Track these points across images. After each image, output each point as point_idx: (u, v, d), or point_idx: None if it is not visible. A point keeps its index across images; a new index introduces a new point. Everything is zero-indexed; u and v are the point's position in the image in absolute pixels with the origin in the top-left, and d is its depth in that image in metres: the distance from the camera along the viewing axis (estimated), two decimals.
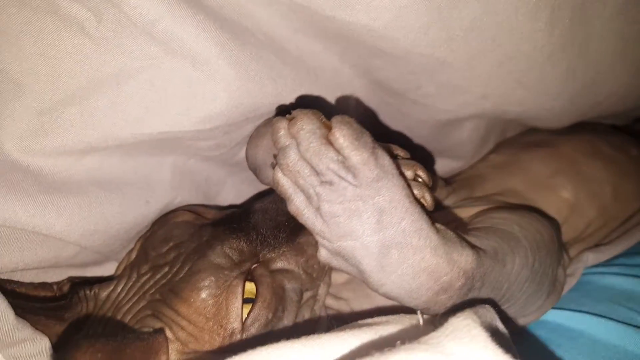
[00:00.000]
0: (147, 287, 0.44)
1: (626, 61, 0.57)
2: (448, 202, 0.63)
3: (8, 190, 0.41)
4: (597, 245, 0.63)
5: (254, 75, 0.46)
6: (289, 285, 0.46)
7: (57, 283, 0.51)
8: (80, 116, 0.42)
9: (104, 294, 0.47)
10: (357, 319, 0.40)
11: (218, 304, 0.42)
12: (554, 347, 0.49)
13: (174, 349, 0.41)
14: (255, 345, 0.32)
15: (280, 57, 0.48)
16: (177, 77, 0.43)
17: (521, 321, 0.50)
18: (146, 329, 0.41)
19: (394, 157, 0.38)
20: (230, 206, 0.60)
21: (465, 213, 0.58)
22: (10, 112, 0.40)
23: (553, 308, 0.54)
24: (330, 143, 0.36)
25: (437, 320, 0.35)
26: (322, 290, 0.50)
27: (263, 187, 0.61)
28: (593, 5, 0.50)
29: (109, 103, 0.42)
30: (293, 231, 0.48)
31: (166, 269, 0.45)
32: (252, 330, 0.42)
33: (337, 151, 0.35)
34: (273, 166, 0.39)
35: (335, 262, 0.38)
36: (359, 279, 0.38)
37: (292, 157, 0.36)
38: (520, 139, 0.76)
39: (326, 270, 0.50)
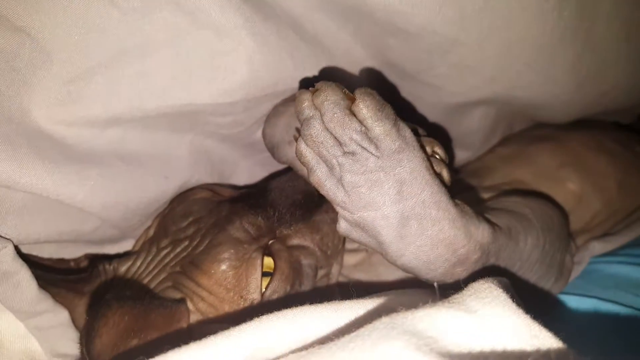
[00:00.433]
0: (167, 260, 0.45)
1: (630, 49, 0.58)
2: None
3: (35, 156, 0.41)
4: (603, 235, 0.64)
5: (274, 50, 0.47)
6: (305, 261, 0.47)
7: (75, 259, 0.52)
8: (106, 86, 0.42)
9: (123, 267, 0.48)
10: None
11: (238, 276, 0.42)
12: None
13: (194, 319, 0.42)
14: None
15: (298, 33, 0.49)
16: (201, 48, 0.44)
17: None
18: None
19: (414, 132, 0.39)
20: (245, 186, 0.61)
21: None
22: (38, 80, 0.41)
23: (560, 293, 0.55)
24: (353, 114, 0.37)
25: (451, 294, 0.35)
26: (334, 269, 0.51)
27: (275, 170, 0.62)
28: None
29: (134, 73, 0.43)
30: (309, 209, 0.49)
31: (186, 243, 0.45)
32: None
33: (361, 122, 0.36)
34: (296, 139, 0.40)
35: (354, 234, 0.39)
36: (377, 251, 0.39)
37: (316, 127, 0.37)
38: (527, 133, 0.77)
39: (339, 249, 0.51)
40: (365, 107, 0.36)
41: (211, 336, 0.29)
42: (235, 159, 0.59)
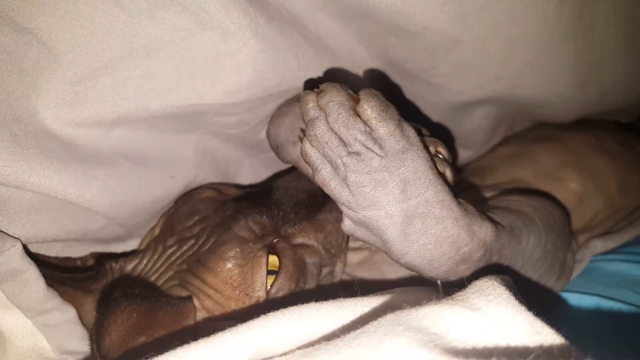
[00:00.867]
0: (173, 258, 0.46)
1: (630, 47, 0.59)
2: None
3: (44, 157, 0.42)
4: (604, 234, 0.64)
5: (279, 51, 0.47)
6: (310, 260, 0.47)
7: (81, 258, 0.53)
8: (112, 86, 0.43)
9: (130, 266, 0.48)
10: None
11: (244, 274, 0.43)
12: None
13: (200, 316, 0.42)
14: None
15: (301, 34, 0.49)
16: (206, 49, 0.44)
17: None
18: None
19: (418, 132, 0.39)
20: (250, 186, 0.62)
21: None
22: (45, 81, 0.41)
23: (561, 291, 0.55)
24: (357, 115, 0.37)
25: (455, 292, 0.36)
26: (338, 267, 0.52)
27: (279, 170, 0.63)
28: None
29: (140, 74, 0.43)
30: (313, 208, 0.49)
31: (192, 241, 0.46)
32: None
33: (365, 123, 0.37)
34: (300, 139, 0.40)
35: (359, 232, 0.40)
36: (381, 250, 0.40)
37: (321, 128, 0.37)
38: (528, 133, 0.77)
39: (343, 248, 0.52)
40: (370, 107, 0.36)
41: (219, 333, 0.30)
42: (239, 158, 0.59)
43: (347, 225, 0.40)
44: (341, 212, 0.40)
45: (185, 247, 0.46)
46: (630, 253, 0.62)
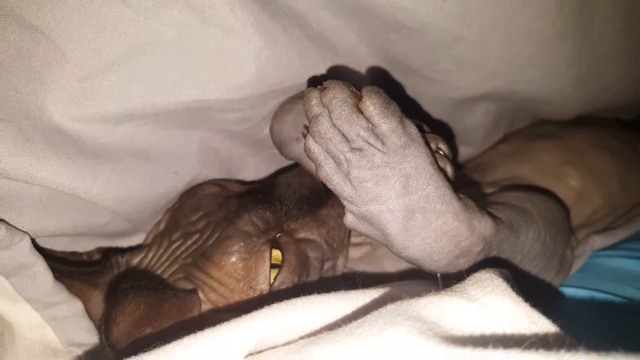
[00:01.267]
0: (178, 252, 0.47)
1: (629, 44, 0.59)
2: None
3: (51, 152, 0.43)
4: (603, 230, 0.65)
5: (281, 47, 0.48)
6: (312, 254, 0.48)
7: (87, 252, 0.54)
8: (119, 83, 0.44)
9: (135, 260, 0.49)
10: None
11: (247, 267, 0.44)
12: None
13: (205, 308, 0.43)
14: None
15: (303, 31, 0.50)
16: (210, 46, 0.45)
17: None
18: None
19: (419, 128, 0.40)
20: (253, 182, 0.63)
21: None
22: (53, 77, 0.42)
23: (560, 286, 0.56)
24: (360, 111, 0.38)
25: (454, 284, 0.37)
26: (340, 262, 0.53)
27: (281, 167, 0.63)
28: None
29: (146, 71, 0.44)
30: (315, 204, 0.50)
31: (197, 236, 0.47)
32: None
33: (367, 119, 0.38)
34: (304, 135, 0.41)
35: (361, 227, 0.40)
36: (383, 244, 0.41)
37: (324, 124, 0.38)
38: (529, 130, 0.78)
39: (345, 243, 0.53)
40: (372, 104, 0.37)
41: (224, 323, 0.31)
42: (243, 155, 0.60)
43: (349, 219, 0.40)
44: (343, 208, 0.40)
45: (190, 242, 0.47)
46: (629, 249, 0.63)
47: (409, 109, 0.61)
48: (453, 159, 0.43)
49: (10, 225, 0.43)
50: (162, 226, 0.52)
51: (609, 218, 0.67)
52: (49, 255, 0.47)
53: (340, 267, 0.53)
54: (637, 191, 0.70)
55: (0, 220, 0.43)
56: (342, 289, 0.44)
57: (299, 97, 0.53)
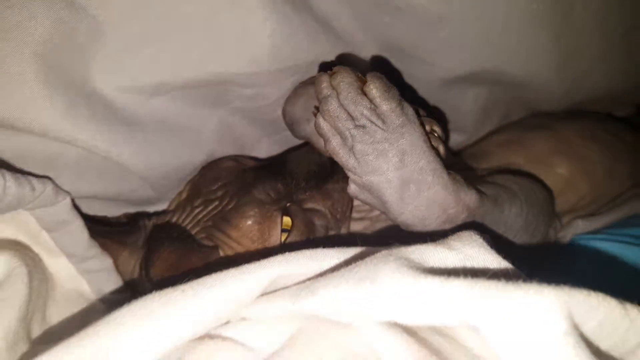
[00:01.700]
0: (200, 216, 0.53)
1: (606, 33, 0.63)
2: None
3: (91, 117, 0.48)
4: (587, 215, 0.70)
5: (294, 27, 0.52)
6: (318, 222, 0.54)
7: (116, 217, 0.60)
8: (154, 56, 0.48)
9: (161, 222, 0.55)
10: None
11: (262, 230, 0.50)
12: None
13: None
14: None
15: (309, 14, 0.54)
16: (234, 24, 0.49)
17: None
18: None
19: (416, 112, 0.46)
20: (266, 158, 0.68)
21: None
22: (95, 51, 0.47)
23: None
24: (364, 94, 0.44)
25: None
26: (343, 232, 0.58)
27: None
28: None
29: (178, 44, 0.49)
30: (322, 179, 0.56)
31: (217, 202, 0.53)
32: None
33: (370, 101, 0.43)
34: (314, 115, 0.47)
35: (362, 195, 0.46)
36: (381, 210, 0.46)
37: (333, 104, 0.44)
38: (523, 122, 0.83)
39: (347, 215, 0.58)
40: (375, 88, 0.43)
41: (245, 264, 0.36)
42: (258, 135, 0.66)
43: (352, 188, 0.46)
44: (346, 184, 0.46)
45: (210, 207, 0.53)
46: (610, 234, 0.68)
47: (407, 95, 0.66)
48: (445, 140, 0.49)
49: (56, 184, 0.49)
50: (184, 195, 0.58)
51: (594, 205, 0.72)
52: (84, 216, 0.53)
53: None
54: (622, 181, 0.75)
55: (47, 178, 0.48)
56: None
57: (309, 83, 0.58)
